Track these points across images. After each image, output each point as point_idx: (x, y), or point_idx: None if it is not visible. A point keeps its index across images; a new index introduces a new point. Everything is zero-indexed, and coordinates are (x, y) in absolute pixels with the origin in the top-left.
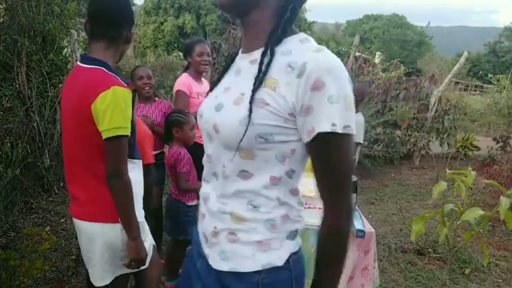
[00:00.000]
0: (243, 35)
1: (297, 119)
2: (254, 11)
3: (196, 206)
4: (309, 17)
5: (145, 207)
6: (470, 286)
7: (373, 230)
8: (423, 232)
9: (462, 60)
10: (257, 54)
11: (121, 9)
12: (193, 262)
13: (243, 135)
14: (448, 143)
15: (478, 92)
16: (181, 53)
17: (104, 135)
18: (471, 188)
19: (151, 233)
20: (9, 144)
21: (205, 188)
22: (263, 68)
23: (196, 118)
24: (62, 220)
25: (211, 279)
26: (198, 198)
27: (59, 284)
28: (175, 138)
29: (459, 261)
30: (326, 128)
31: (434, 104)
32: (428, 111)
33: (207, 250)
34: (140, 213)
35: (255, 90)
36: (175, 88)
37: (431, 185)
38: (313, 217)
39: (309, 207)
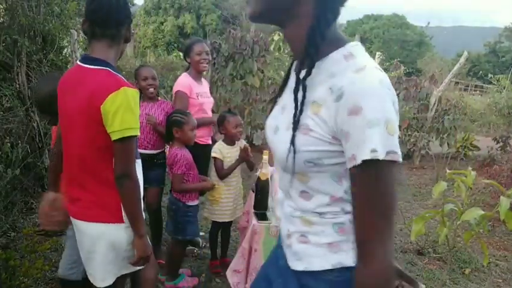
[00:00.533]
0: None
1: (341, 142)
2: (287, 23)
3: (197, 207)
4: None
5: None
6: (470, 286)
7: None
8: (423, 232)
9: (462, 60)
10: (302, 74)
11: (121, 8)
12: (275, 260)
13: (293, 162)
14: (447, 143)
15: (478, 92)
16: (181, 53)
17: (115, 136)
18: (471, 188)
19: (151, 233)
20: (9, 144)
21: (281, 194)
22: (299, 105)
23: (196, 118)
24: None
25: (291, 279)
26: (198, 198)
27: (59, 284)
28: (175, 139)
29: (459, 261)
30: (366, 155)
31: (434, 104)
32: (428, 111)
33: (285, 251)
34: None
35: (294, 129)
36: (175, 88)
37: (431, 185)
38: None
39: None
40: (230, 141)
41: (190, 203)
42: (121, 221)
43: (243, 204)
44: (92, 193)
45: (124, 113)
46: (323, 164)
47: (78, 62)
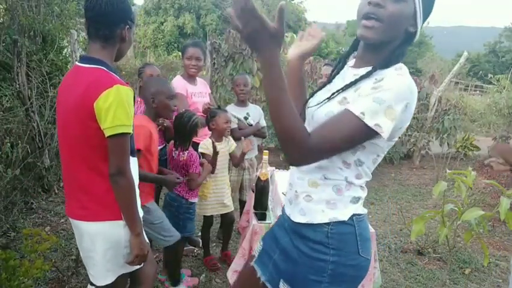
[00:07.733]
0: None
1: None
2: (383, 45)
3: (196, 204)
4: (309, 17)
5: None
6: (470, 286)
7: (373, 230)
8: (423, 232)
9: (462, 60)
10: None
11: (113, 8)
12: (282, 223)
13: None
14: (447, 143)
15: (478, 92)
16: (181, 53)
17: (108, 133)
18: (471, 188)
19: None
20: (9, 144)
21: (292, 168)
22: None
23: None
24: (62, 220)
25: (292, 231)
26: (197, 195)
27: (59, 284)
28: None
29: (459, 261)
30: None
31: (434, 104)
32: (428, 111)
33: (289, 210)
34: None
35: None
36: None
37: (431, 185)
38: None
39: None
40: (218, 136)
41: (192, 200)
42: (119, 218)
43: (231, 198)
44: (90, 192)
45: (116, 109)
46: None
47: (76, 63)
